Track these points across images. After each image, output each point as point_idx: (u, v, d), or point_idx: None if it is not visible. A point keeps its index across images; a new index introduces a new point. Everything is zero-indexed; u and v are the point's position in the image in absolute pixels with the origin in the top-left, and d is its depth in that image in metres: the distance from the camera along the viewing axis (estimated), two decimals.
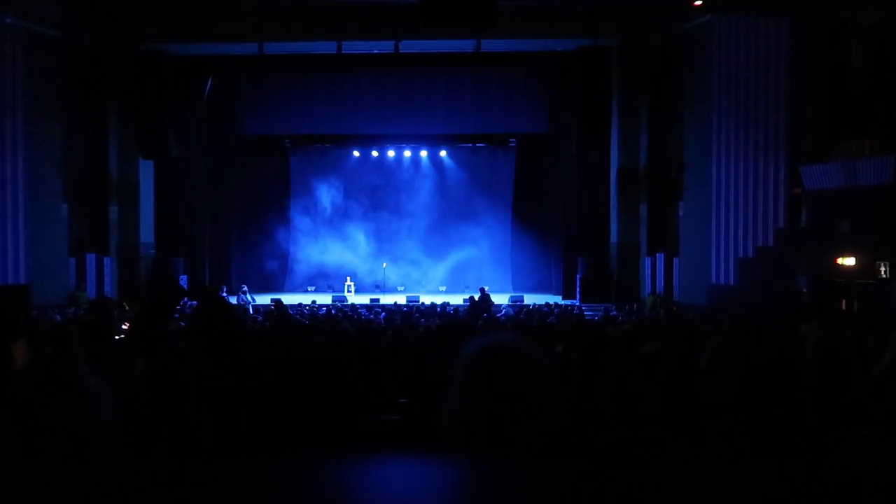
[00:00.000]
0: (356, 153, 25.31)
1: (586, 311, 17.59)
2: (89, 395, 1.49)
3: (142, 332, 4.45)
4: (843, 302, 15.30)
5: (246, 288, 21.32)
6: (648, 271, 20.82)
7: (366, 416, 4.35)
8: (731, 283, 18.17)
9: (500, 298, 20.36)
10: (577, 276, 21.40)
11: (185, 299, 18.55)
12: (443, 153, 25.35)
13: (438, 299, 19.50)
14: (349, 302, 20.05)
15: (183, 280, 20.72)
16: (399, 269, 24.61)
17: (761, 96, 17.84)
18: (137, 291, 18.54)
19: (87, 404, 1.47)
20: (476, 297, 18.31)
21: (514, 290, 23.54)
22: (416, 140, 24.90)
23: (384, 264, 23.79)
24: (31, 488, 1.29)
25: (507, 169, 25.33)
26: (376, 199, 25.36)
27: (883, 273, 14.60)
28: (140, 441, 2.13)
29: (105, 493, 1.27)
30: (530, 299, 20.41)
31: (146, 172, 21.31)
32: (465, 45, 20.40)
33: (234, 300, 18.32)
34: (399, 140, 24.92)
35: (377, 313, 15.53)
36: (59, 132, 19.00)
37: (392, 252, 24.79)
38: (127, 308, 12.58)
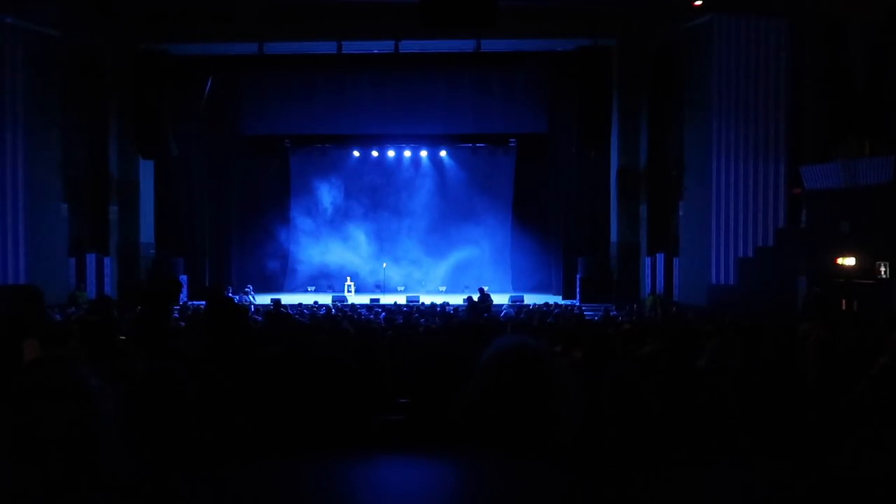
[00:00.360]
0: (356, 153, 25.31)
1: (586, 311, 17.60)
2: (92, 395, 1.49)
3: (143, 329, 4.46)
4: (843, 302, 15.30)
5: (248, 288, 21.39)
6: (648, 271, 20.82)
7: (367, 416, 4.35)
8: (731, 283, 18.17)
9: (500, 298, 20.37)
10: (577, 276, 21.40)
11: (185, 298, 18.62)
12: (443, 153, 25.36)
13: (438, 299, 19.51)
14: (349, 302, 20.05)
15: (183, 280, 20.73)
16: (401, 268, 24.64)
17: (761, 96, 17.84)
18: (140, 289, 18.55)
19: (90, 405, 1.48)
20: (475, 298, 18.30)
21: (514, 290, 23.54)
22: (416, 140, 24.90)
23: (384, 264, 23.81)
24: (34, 489, 1.30)
25: (507, 169, 25.33)
26: (376, 199, 25.36)
27: (883, 273, 14.60)
28: (142, 442, 2.13)
29: (108, 493, 1.28)
30: (530, 299, 20.41)
31: (146, 172, 21.31)
32: (465, 45, 20.40)
33: (236, 300, 18.33)
34: (399, 140, 24.92)
35: (377, 313, 15.54)
36: (59, 132, 18.99)
37: (393, 252, 24.81)
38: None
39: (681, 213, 19.80)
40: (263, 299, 20.43)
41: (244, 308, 16.15)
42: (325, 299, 20.64)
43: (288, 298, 20.94)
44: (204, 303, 17.08)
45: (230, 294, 19.18)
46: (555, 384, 1.59)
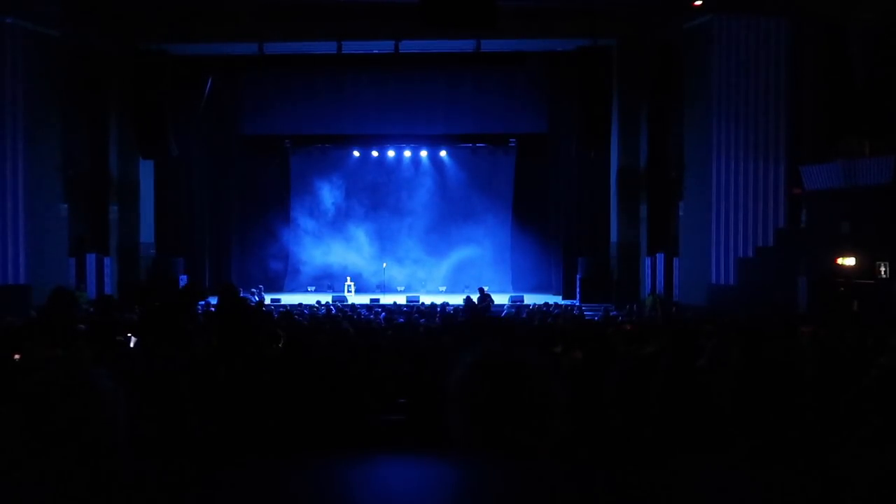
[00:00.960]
0: (356, 153, 25.32)
1: (586, 311, 17.61)
2: (104, 397, 1.49)
3: (159, 330, 4.46)
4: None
5: (256, 290, 21.45)
6: (648, 271, 20.82)
7: (367, 416, 4.36)
8: (731, 283, 18.17)
9: (500, 298, 20.38)
10: (577, 276, 21.40)
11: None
12: (443, 153, 25.37)
13: (438, 299, 19.51)
14: (349, 302, 20.06)
15: (183, 280, 20.74)
16: (404, 268, 24.67)
17: (761, 96, 17.84)
18: (144, 289, 18.54)
19: (102, 407, 1.48)
20: (473, 298, 18.30)
21: (514, 290, 23.55)
22: (416, 140, 24.91)
23: (384, 264, 23.82)
24: (44, 489, 1.30)
25: (507, 169, 25.34)
26: (377, 199, 25.37)
27: (883, 273, 14.61)
28: (144, 443, 2.13)
29: (116, 494, 1.28)
30: (530, 299, 20.41)
31: (146, 172, 21.31)
32: (465, 45, 20.40)
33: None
34: (399, 140, 24.93)
35: (377, 313, 15.54)
36: (59, 132, 18.98)
37: (395, 252, 24.83)
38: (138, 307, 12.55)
39: (681, 213, 19.80)
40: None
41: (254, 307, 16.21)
42: (325, 299, 20.66)
43: (288, 298, 20.97)
44: (202, 303, 17.07)
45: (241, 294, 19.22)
46: (532, 383, 1.60)
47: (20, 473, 1.40)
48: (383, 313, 15.51)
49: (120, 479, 1.36)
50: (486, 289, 19.13)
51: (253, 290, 21.58)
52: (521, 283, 24.37)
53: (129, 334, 6.03)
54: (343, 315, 14.41)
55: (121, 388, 1.54)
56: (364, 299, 20.65)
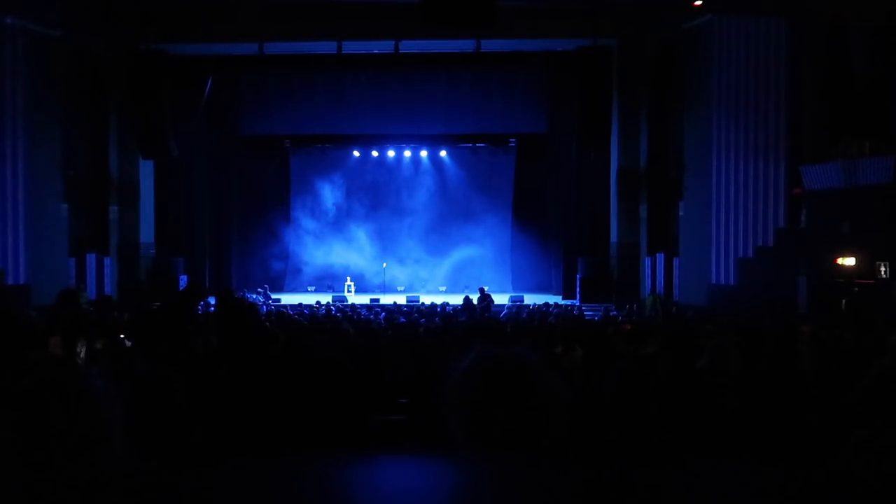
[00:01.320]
0: (356, 153, 25.32)
1: (586, 311, 17.61)
2: (98, 398, 1.49)
3: (156, 331, 4.46)
4: (843, 302, 15.29)
5: (260, 290, 21.45)
6: (648, 271, 20.82)
7: (367, 416, 4.35)
8: (731, 283, 18.18)
9: (500, 298, 20.38)
10: (577, 276, 21.41)
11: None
12: (443, 153, 25.37)
13: (438, 299, 19.51)
14: (349, 302, 20.06)
15: (183, 280, 20.74)
16: (404, 268, 24.68)
17: (761, 96, 17.85)
18: (143, 292, 18.57)
19: (96, 407, 1.48)
20: (473, 298, 18.30)
21: (514, 290, 23.55)
22: (416, 140, 24.91)
23: (384, 264, 23.82)
24: (39, 490, 1.30)
25: (507, 169, 25.34)
26: (377, 199, 25.38)
27: (883, 273, 14.61)
28: (142, 443, 2.13)
29: (111, 495, 1.28)
30: (530, 299, 20.41)
31: (146, 172, 21.31)
32: (465, 45, 20.40)
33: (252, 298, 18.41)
34: (399, 140, 24.93)
35: (377, 313, 15.53)
36: (59, 132, 18.98)
37: (395, 252, 24.85)
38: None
39: (681, 213, 19.80)
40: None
41: (255, 306, 16.19)
42: (325, 299, 20.65)
43: (289, 298, 20.98)
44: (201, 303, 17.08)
45: (246, 294, 19.29)
46: (535, 387, 1.61)
47: (15, 474, 1.40)
48: (383, 313, 15.50)
49: (116, 481, 1.36)
50: (486, 289, 19.12)
51: (259, 289, 21.60)
52: (521, 283, 24.37)
53: (123, 336, 6.04)
54: (343, 315, 14.40)
55: (116, 389, 1.54)
56: (364, 299, 20.66)
